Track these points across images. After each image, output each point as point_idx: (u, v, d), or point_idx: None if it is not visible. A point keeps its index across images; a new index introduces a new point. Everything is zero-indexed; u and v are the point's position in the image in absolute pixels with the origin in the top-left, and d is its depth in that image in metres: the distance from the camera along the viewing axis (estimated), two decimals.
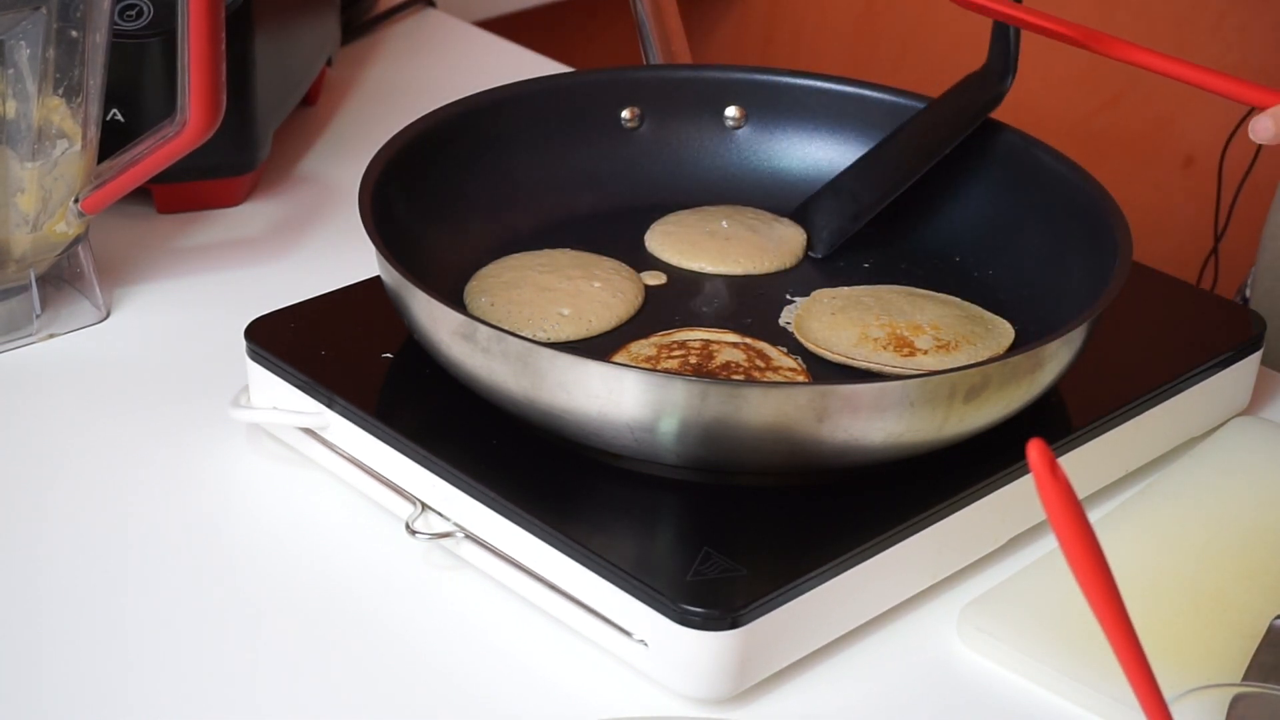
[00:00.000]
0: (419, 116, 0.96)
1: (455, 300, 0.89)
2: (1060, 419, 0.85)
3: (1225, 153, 1.48)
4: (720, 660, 0.72)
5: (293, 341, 0.87)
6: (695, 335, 0.88)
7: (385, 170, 0.90)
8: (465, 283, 0.92)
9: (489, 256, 0.94)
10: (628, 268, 0.94)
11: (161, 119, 0.96)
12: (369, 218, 0.85)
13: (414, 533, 0.80)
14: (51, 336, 0.97)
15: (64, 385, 0.94)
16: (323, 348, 0.87)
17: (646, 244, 0.98)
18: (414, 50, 1.37)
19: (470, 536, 0.79)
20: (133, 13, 1.04)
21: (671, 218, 0.99)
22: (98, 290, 0.99)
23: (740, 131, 1.03)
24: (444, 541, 0.81)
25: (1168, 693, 0.58)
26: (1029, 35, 0.97)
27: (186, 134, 0.94)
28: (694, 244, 0.97)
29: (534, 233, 0.97)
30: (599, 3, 1.94)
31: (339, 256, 1.05)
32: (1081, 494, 0.83)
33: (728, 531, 0.77)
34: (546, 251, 0.95)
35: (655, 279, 0.95)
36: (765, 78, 1.04)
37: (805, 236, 0.98)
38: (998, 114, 1.00)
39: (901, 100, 1.02)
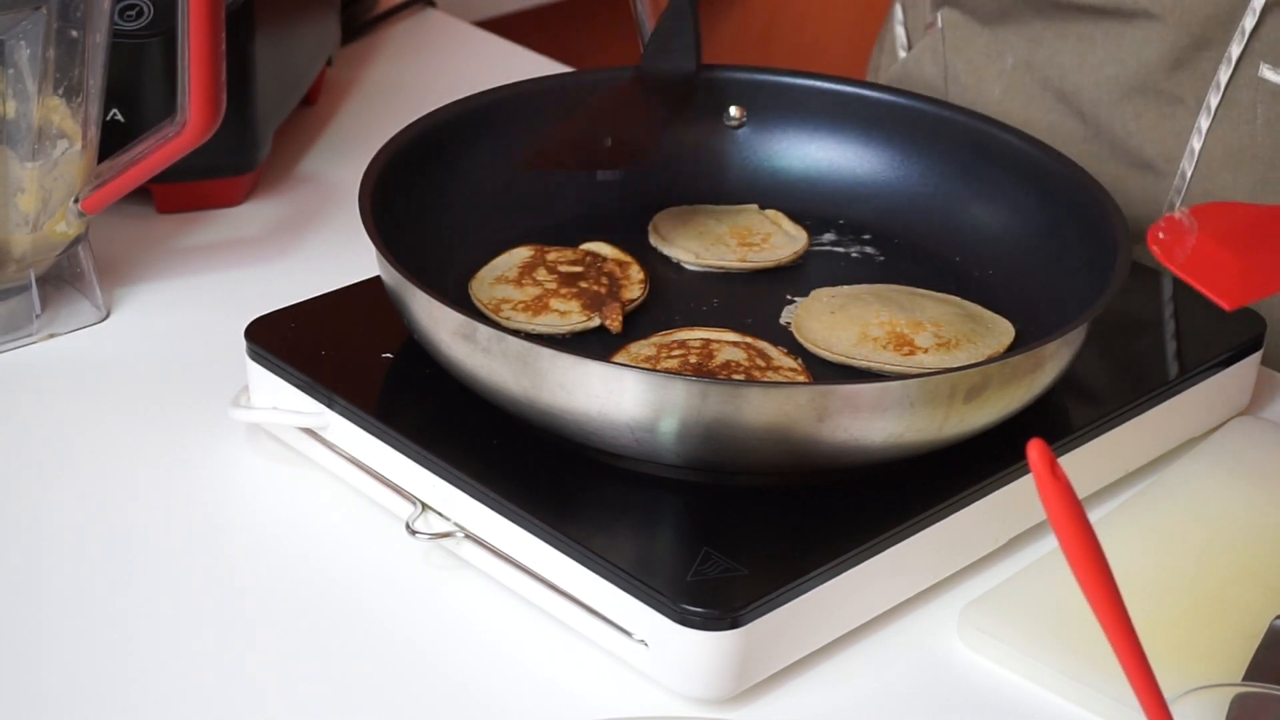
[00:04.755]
0: (419, 116, 0.96)
1: (455, 300, 0.89)
2: (1060, 419, 0.85)
3: None
4: (720, 660, 0.72)
5: (293, 341, 0.87)
6: (695, 335, 0.88)
7: (385, 170, 0.90)
8: (465, 282, 0.92)
9: (489, 256, 0.94)
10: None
11: (161, 119, 0.96)
12: (369, 218, 0.85)
13: (414, 533, 0.80)
14: (51, 336, 0.97)
15: (64, 385, 0.94)
16: (323, 348, 0.87)
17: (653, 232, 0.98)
18: (414, 50, 1.37)
19: (470, 536, 0.79)
20: (133, 13, 1.04)
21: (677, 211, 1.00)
22: (98, 290, 0.99)
23: (740, 131, 1.03)
24: (444, 541, 0.81)
25: (1168, 693, 0.58)
26: None
27: (186, 134, 0.94)
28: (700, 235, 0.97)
29: (534, 232, 0.97)
30: (599, 3, 1.94)
31: (339, 256, 1.05)
32: (1081, 494, 0.83)
33: (728, 531, 0.77)
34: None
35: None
36: (765, 78, 1.04)
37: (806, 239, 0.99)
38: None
39: (901, 100, 1.02)
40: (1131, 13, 1.03)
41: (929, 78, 1.16)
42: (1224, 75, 1.02)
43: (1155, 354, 0.92)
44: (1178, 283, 0.99)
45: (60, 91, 0.92)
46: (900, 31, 1.23)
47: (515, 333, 0.82)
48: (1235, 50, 1.01)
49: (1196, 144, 1.03)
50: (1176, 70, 1.03)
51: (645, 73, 1.01)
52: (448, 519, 0.80)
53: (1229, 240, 0.75)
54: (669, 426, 0.76)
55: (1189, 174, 1.04)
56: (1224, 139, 1.04)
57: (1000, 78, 1.11)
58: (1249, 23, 1.00)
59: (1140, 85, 1.05)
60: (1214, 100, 1.02)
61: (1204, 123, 1.02)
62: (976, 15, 1.12)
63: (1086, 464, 0.85)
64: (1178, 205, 1.06)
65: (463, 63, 1.36)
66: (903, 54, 1.22)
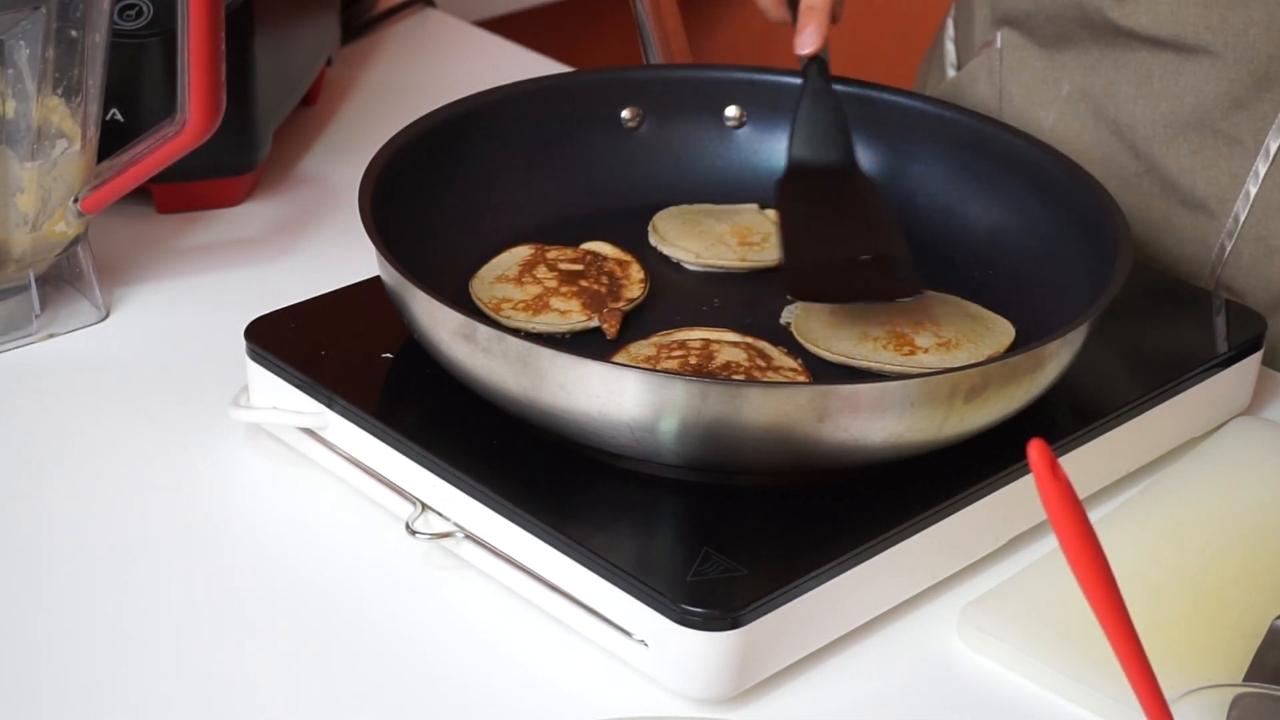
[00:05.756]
0: (419, 116, 0.96)
1: (455, 300, 0.89)
2: (1060, 419, 0.85)
3: None
4: (720, 660, 0.72)
5: (293, 341, 0.87)
6: (695, 335, 0.88)
7: (385, 170, 0.90)
8: (465, 282, 0.92)
9: (489, 255, 0.94)
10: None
11: (161, 119, 0.96)
12: (369, 218, 0.85)
13: (414, 533, 0.80)
14: (51, 336, 0.97)
15: (64, 385, 0.94)
16: (323, 348, 0.87)
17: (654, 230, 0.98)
18: (414, 50, 1.37)
19: (470, 536, 0.79)
20: (133, 13, 1.04)
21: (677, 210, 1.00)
22: (98, 290, 0.99)
23: (740, 131, 1.03)
24: (444, 541, 0.81)
25: (1168, 693, 0.58)
26: None
27: (186, 134, 0.94)
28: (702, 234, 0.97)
29: (534, 232, 0.97)
30: (599, 3, 1.94)
31: (339, 256, 1.05)
32: (1081, 494, 0.83)
33: (728, 531, 0.77)
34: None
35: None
36: (765, 78, 1.04)
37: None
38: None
39: (901, 100, 1.02)
40: (1192, 48, 1.02)
41: (982, 97, 1.14)
42: None
43: (1155, 354, 0.92)
44: (1178, 282, 0.99)
45: (60, 91, 0.92)
46: (950, 48, 1.22)
47: (515, 332, 0.82)
48: None
49: (1252, 188, 1.01)
50: (1236, 110, 1.02)
51: (795, 168, 0.96)
52: (448, 519, 0.80)
53: None
54: (669, 426, 0.76)
55: (1242, 218, 1.02)
56: None
57: (1055, 104, 1.09)
58: None
59: (1197, 123, 1.03)
60: (1274, 145, 1.00)
61: (1261, 167, 1.00)
62: (1035, 38, 1.10)
63: (1086, 464, 0.85)
64: (1229, 249, 1.04)
65: (463, 63, 1.36)
66: (952, 71, 1.20)
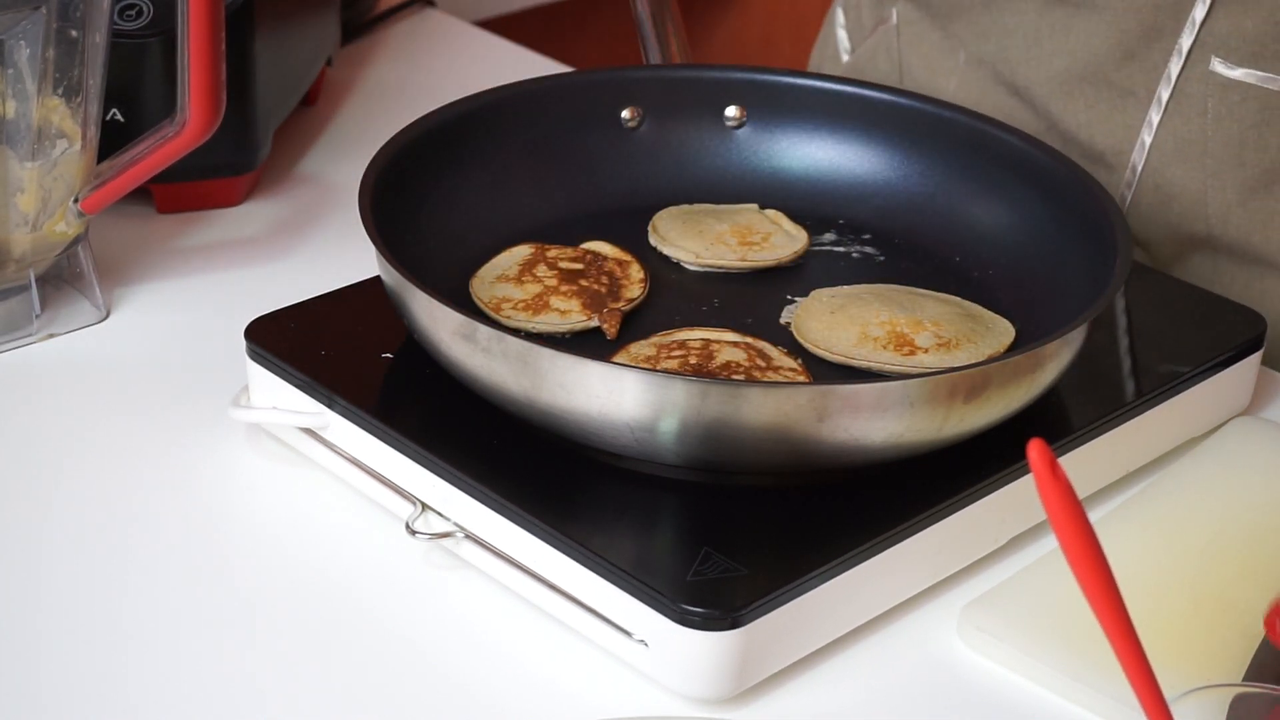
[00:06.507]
0: (419, 116, 0.96)
1: (455, 300, 0.89)
2: (1060, 419, 0.85)
3: None
4: (720, 660, 0.72)
5: (293, 341, 0.87)
6: (695, 335, 0.88)
7: (385, 170, 0.90)
8: (465, 283, 0.92)
9: (489, 255, 0.94)
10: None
11: (161, 119, 0.96)
12: (369, 218, 0.85)
13: (414, 533, 0.80)
14: (51, 336, 0.97)
15: (64, 385, 0.94)
16: (323, 348, 0.87)
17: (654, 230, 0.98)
18: (414, 50, 1.37)
19: (470, 536, 0.79)
20: (133, 13, 1.04)
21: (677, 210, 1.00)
22: (98, 290, 0.99)
23: (740, 131, 1.04)
24: (444, 541, 0.81)
25: (1168, 693, 0.58)
26: None
27: (186, 134, 0.94)
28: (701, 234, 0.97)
29: (534, 232, 0.97)
30: (599, 3, 1.94)
31: (339, 256, 1.05)
32: (1081, 494, 0.83)
33: (728, 531, 0.77)
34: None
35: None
36: (765, 78, 1.04)
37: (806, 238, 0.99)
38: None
39: (901, 100, 1.02)
40: (1078, 2, 1.03)
41: (883, 74, 1.15)
42: (1175, 68, 1.00)
43: (1155, 354, 0.92)
44: (1178, 283, 0.99)
45: (60, 91, 0.92)
46: (842, 35, 1.22)
47: (515, 332, 0.82)
48: (1186, 42, 1.00)
49: (1147, 138, 1.02)
50: (1127, 62, 1.02)
51: None
52: (448, 519, 0.80)
53: None
54: (669, 426, 0.76)
55: (1140, 168, 1.03)
56: (1175, 132, 1.02)
57: (954, 72, 1.10)
58: (1199, 13, 0.99)
59: (1091, 76, 1.04)
60: (1165, 93, 1.01)
61: (1155, 116, 1.01)
62: (930, 9, 1.11)
63: (1086, 464, 0.85)
64: (1129, 199, 1.05)
65: (463, 63, 1.36)
66: (846, 58, 1.21)
